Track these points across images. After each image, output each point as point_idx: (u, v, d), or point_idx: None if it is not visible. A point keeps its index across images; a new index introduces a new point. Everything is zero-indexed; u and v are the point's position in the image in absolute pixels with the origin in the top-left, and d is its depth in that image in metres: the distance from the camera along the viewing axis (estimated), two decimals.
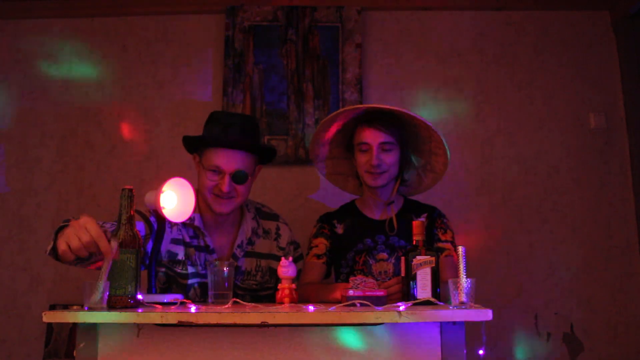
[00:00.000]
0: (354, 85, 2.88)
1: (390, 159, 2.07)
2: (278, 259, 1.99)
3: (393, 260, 2.08)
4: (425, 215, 2.15)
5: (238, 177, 1.97)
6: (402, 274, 1.70)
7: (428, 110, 2.88)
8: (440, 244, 2.10)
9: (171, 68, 2.97)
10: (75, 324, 1.60)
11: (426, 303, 1.60)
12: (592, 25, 2.96)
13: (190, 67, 2.97)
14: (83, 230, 1.45)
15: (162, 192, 1.89)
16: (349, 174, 2.30)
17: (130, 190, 1.65)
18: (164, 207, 1.89)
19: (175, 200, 1.96)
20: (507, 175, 2.86)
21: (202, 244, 2.08)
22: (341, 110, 2.12)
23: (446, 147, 2.11)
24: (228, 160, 1.95)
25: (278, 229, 2.18)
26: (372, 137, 2.05)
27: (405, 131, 2.13)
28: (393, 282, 1.76)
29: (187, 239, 2.08)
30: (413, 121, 2.11)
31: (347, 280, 2.07)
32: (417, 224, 1.70)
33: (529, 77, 2.93)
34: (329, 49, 2.92)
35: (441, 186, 2.72)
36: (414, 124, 2.13)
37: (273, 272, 2.13)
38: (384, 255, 2.09)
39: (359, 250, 2.11)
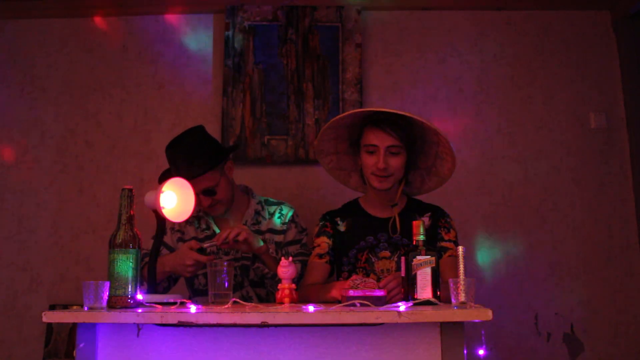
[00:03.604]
0: (354, 85, 2.88)
1: (397, 162, 2.06)
2: (278, 233, 2.30)
3: (395, 259, 2.08)
4: (428, 214, 2.15)
5: (207, 193, 2.20)
6: (402, 274, 1.70)
7: (428, 110, 2.88)
8: (444, 244, 2.10)
9: (171, 68, 2.97)
10: (75, 324, 1.61)
11: (426, 303, 1.60)
12: (593, 25, 2.96)
13: (190, 67, 2.97)
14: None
15: (162, 192, 1.89)
16: (352, 170, 2.29)
17: (130, 190, 1.65)
18: (163, 207, 1.90)
19: (175, 200, 1.96)
20: (507, 175, 2.86)
21: (210, 232, 2.29)
22: (356, 110, 2.11)
23: (454, 154, 2.09)
24: (193, 185, 2.10)
25: (281, 209, 2.36)
26: (380, 139, 2.04)
27: (412, 133, 2.11)
28: (390, 278, 1.76)
29: (201, 236, 2.29)
30: (422, 124, 2.10)
31: (349, 278, 2.07)
32: (417, 224, 1.70)
33: (529, 77, 2.93)
34: (329, 48, 2.92)
35: (441, 186, 2.73)
36: (422, 126, 2.12)
37: (278, 244, 2.29)
38: (387, 253, 2.09)
39: (361, 247, 2.11)
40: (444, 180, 2.20)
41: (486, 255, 2.80)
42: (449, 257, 2.06)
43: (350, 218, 2.18)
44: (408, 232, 2.07)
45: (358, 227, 2.15)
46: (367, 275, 2.08)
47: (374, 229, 2.13)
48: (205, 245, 2.02)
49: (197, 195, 2.16)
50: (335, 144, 2.24)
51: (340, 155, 2.27)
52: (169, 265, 2.08)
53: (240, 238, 1.99)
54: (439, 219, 2.14)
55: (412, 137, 2.11)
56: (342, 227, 2.17)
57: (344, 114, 2.12)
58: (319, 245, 2.15)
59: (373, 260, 2.09)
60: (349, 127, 2.18)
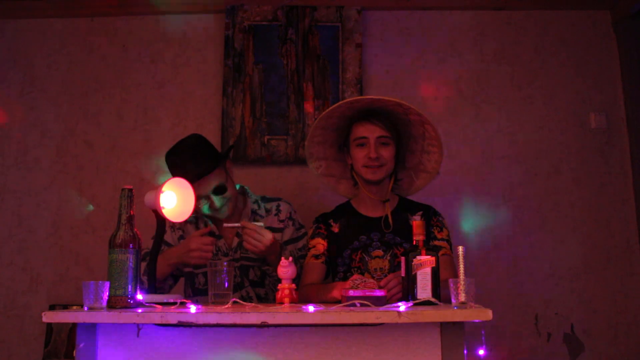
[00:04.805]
0: (354, 85, 2.88)
1: (387, 153, 2.09)
2: (276, 231, 2.26)
3: (389, 257, 2.09)
4: (420, 213, 2.16)
5: (218, 190, 2.17)
6: (402, 274, 1.70)
7: (428, 110, 2.87)
8: (437, 242, 2.11)
9: (171, 68, 2.97)
10: (75, 324, 1.61)
11: (426, 303, 1.60)
12: (593, 24, 2.96)
13: (190, 67, 2.97)
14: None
15: (162, 192, 1.89)
16: (341, 176, 2.31)
17: (130, 190, 1.65)
18: (163, 207, 1.90)
19: (175, 200, 1.96)
20: (507, 175, 2.86)
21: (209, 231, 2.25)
22: (340, 102, 2.11)
23: (440, 142, 2.10)
24: (199, 188, 2.10)
25: (278, 206, 2.33)
26: (369, 131, 2.08)
27: (398, 129, 2.14)
28: (390, 277, 1.77)
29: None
30: (408, 118, 2.12)
31: (344, 279, 2.09)
32: (418, 224, 1.70)
33: (529, 77, 2.93)
34: (329, 48, 2.92)
35: (441, 186, 2.73)
36: (408, 122, 2.14)
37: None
38: (380, 252, 2.10)
39: (355, 247, 2.12)
40: (432, 175, 2.22)
41: (486, 255, 2.79)
42: (443, 255, 2.06)
43: (342, 219, 2.19)
44: (400, 230, 2.10)
45: (351, 227, 2.16)
46: (362, 275, 2.09)
47: (366, 228, 2.14)
48: (227, 225, 2.06)
49: (207, 197, 2.15)
50: (324, 148, 2.26)
51: (329, 162, 2.29)
52: (175, 256, 2.06)
53: (257, 251, 2.02)
54: (431, 217, 2.15)
55: (398, 133, 2.15)
56: (335, 229, 2.18)
57: (329, 109, 2.12)
58: (314, 247, 2.16)
59: (367, 259, 2.10)
60: (337, 129, 2.20)
